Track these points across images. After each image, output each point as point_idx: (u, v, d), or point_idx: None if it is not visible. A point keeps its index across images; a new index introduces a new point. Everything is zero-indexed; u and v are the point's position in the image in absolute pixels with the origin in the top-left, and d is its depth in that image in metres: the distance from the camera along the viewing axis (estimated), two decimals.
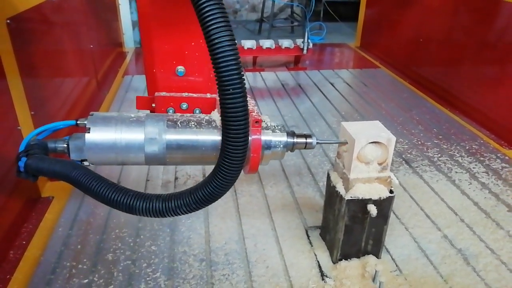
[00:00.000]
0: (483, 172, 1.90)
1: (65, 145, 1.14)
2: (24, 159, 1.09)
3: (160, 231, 1.51)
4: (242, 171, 1.08)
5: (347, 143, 1.21)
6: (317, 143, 1.23)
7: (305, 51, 3.27)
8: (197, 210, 1.08)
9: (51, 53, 2.01)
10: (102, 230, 1.50)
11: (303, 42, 3.25)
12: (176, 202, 1.05)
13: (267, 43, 3.24)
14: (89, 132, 1.10)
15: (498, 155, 2.06)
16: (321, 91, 2.92)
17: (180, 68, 1.40)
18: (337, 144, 1.28)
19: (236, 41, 0.93)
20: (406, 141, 2.20)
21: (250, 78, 3.16)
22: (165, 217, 1.08)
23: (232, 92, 0.93)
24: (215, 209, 1.61)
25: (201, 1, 0.88)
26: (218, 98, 1.33)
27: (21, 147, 1.13)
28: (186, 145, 1.14)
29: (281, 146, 1.18)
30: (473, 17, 2.52)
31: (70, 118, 2.14)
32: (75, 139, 1.14)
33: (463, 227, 1.54)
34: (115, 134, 1.10)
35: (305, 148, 1.23)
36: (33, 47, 1.75)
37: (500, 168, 1.95)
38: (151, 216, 1.07)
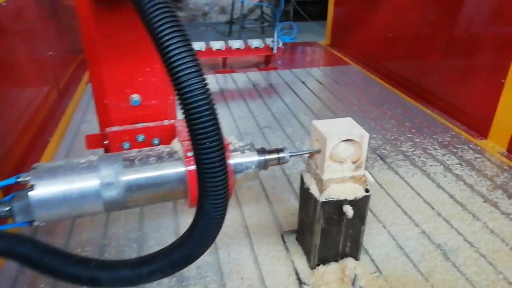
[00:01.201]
0: (456, 164, 1.90)
1: (8, 209, 0.97)
2: None
3: (127, 247, 1.41)
4: None
5: (320, 151, 1.15)
6: (290, 156, 1.17)
7: (275, 50, 3.23)
8: (175, 273, 0.97)
9: (1, 62, 1.87)
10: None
11: (272, 41, 3.20)
12: (148, 269, 0.92)
13: (236, 44, 3.17)
14: (33, 189, 0.95)
15: (470, 145, 2.07)
16: (293, 91, 2.88)
17: (135, 97, 1.28)
18: (310, 142, 1.23)
19: (207, 83, 0.81)
20: (380, 137, 2.17)
21: (221, 80, 3.08)
22: (137, 285, 0.95)
23: (209, 146, 0.82)
24: (184, 219, 1.52)
25: (166, 43, 0.76)
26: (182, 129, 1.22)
27: None
28: (149, 184, 1.02)
29: (253, 166, 1.11)
30: (440, 11, 2.53)
31: (29, 130, 2.01)
32: (19, 199, 0.98)
33: (440, 221, 1.52)
34: (65, 186, 0.96)
35: (278, 163, 1.16)
36: None
37: (473, 158, 1.95)
38: (121, 287, 0.94)
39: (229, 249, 1.39)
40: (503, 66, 1.99)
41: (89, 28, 1.18)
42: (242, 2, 5.83)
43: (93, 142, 1.31)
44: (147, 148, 1.08)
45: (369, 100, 2.69)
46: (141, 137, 1.25)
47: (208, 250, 1.35)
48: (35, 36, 2.39)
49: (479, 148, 2.05)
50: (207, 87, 0.80)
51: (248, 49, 3.23)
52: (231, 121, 2.39)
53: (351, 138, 1.13)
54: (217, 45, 3.14)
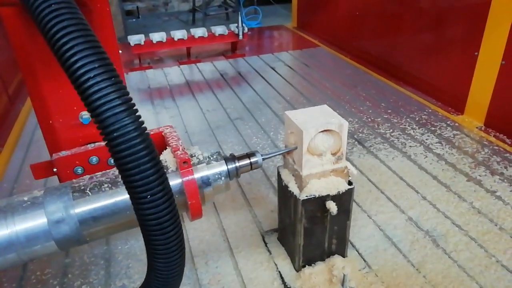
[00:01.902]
0: (436, 143, 1.84)
1: None
2: None
3: (93, 264, 1.27)
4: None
5: (296, 148, 1.04)
6: (264, 159, 1.06)
7: (240, 37, 3.08)
8: None
9: None
10: (20, 275, 1.24)
11: (237, 27, 3.05)
12: None
13: (199, 32, 3.00)
14: None
15: (448, 122, 2.02)
16: (263, 78, 2.75)
17: (85, 114, 1.13)
18: (285, 135, 1.12)
19: (142, 121, 0.66)
20: (356, 120, 2.09)
21: (186, 71, 2.92)
22: None
23: (152, 200, 0.68)
24: None
25: (74, 65, 0.60)
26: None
27: None
28: (105, 214, 0.89)
29: (223, 177, 0.99)
30: None
31: None
32: None
33: (426, 205, 1.45)
34: (8, 230, 0.83)
35: (251, 169, 1.05)
36: None
37: (452, 136, 1.89)
38: None
39: (206, 256, 1.28)
40: (476, 37, 1.93)
41: (18, 37, 1.00)
42: None
43: (41, 171, 1.13)
44: (99, 173, 0.94)
45: (342, 82, 2.60)
46: (94, 159, 1.09)
47: None
48: None
49: (456, 124, 2.00)
50: (142, 125, 0.65)
51: (212, 36, 3.07)
52: (200, 114, 2.25)
53: (329, 128, 1.03)
54: (178, 34, 2.96)
